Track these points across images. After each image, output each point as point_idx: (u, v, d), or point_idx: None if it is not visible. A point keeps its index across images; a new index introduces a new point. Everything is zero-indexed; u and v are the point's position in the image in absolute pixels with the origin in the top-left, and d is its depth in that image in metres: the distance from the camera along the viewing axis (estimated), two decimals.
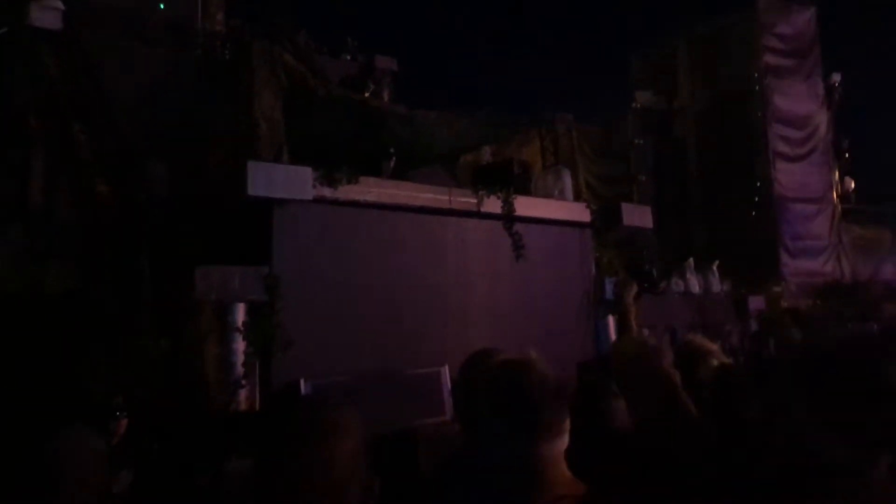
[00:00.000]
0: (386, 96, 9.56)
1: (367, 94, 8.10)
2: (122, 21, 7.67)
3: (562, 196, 7.43)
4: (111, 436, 3.85)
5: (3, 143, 6.36)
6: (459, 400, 2.48)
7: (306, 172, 5.33)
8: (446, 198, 6.35)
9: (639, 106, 11.85)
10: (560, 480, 1.84)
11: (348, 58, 10.64)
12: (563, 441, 1.90)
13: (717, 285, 9.55)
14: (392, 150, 6.31)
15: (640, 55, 13.95)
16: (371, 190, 5.77)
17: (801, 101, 11.99)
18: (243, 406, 5.05)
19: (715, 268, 9.69)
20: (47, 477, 2.07)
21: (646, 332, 7.37)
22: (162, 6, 8.42)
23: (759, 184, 11.47)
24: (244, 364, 5.12)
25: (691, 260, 9.56)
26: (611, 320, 7.34)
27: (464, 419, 2.52)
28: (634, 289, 7.28)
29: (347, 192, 5.61)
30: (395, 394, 5.23)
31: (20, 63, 6.66)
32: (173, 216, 5.93)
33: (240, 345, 5.15)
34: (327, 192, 5.48)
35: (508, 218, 6.73)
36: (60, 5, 6.69)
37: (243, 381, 5.04)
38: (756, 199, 11.46)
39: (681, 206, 11.71)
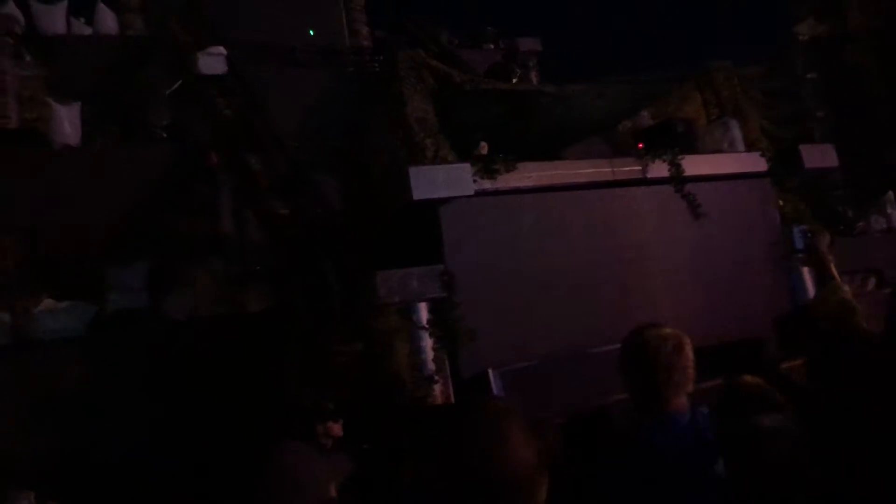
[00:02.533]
0: (534, 78, 9.51)
1: (514, 80, 8.09)
2: (279, 52, 8.17)
3: (732, 148, 7.06)
4: (327, 439, 4.06)
5: (191, 183, 6.99)
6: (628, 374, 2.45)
7: (465, 168, 5.42)
8: (608, 170, 6.23)
9: (805, 37, 10.95)
10: None
11: (491, 47, 10.70)
12: None
13: None
14: (546, 131, 6.27)
15: None
16: (530, 175, 5.77)
17: None
18: (439, 399, 5.23)
19: None
20: (272, 489, 2.22)
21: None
22: (312, 32, 8.89)
23: None
24: (434, 359, 5.31)
25: (890, 193, 8.70)
26: (806, 271, 6.86)
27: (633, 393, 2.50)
28: (827, 235, 6.77)
29: (507, 180, 5.64)
30: (584, 373, 5.19)
31: (195, 108, 7.29)
32: (348, 226, 6.24)
33: (427, 341, 5.33)
34: (487, 184, 5.54)
35: (678, 180, 6.47)
36: (223, 50, 7.23)
37: (435, 376, 5.22)
38: None
39: (869, 137, 10.69)
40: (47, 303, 5.95)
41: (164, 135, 7.49)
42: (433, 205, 5.42)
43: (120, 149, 7.20)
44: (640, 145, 6.93)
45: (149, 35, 8.21)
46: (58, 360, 5.32)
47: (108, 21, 8.25)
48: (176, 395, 5.27)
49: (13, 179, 6.38)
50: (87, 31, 8.24)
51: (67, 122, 6.92)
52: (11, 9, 7.71)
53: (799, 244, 6.84)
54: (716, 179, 6.70)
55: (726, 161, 6.86)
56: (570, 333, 5.55)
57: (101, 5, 8.30)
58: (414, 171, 5.30)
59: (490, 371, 5.03)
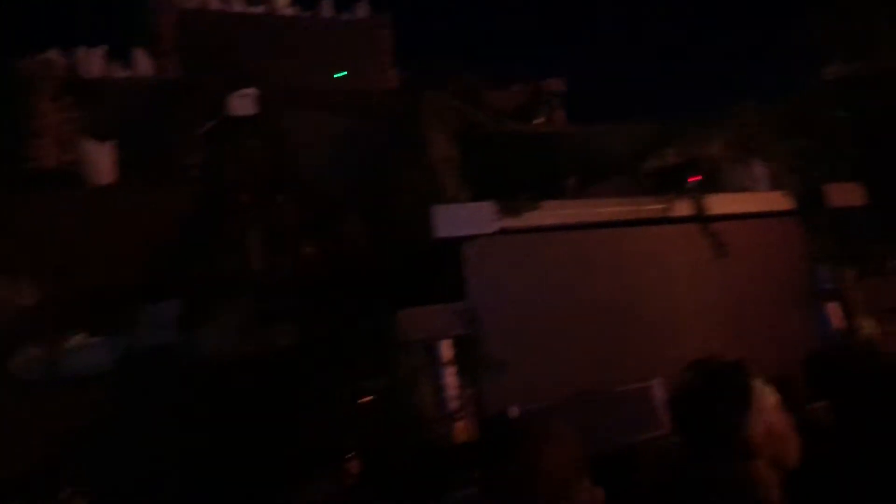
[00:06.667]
0: (558, 118, 9.61)
1: (539, 121, 8.19)
2: (308, 95, 8.36)
3: (757, 187, 7.05)
4: (346, 478, 4.11)
5: (221, 222, 7.13)
6: (680, 413, 2.42)
7: (488, 207, 5.48)
8: (632, 208, 6.25)
9: (833, 77, 10.94)
10: None
11: (517, 87, 10.82)
12: None
13: None
14: (569, 171, 6.33)
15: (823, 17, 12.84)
16: (554, 213, 5.82)
17: None
18: (461, 437, 5.23)
19: None
20: None
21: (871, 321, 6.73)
22: (339, 75, 9.09)
23: None
24: (457, 397, 5.32)
25: None
26: (832, 309, 6.79)
27: (685, 433, 2.45)
28: (852, 273, 6.71)
29: (530, 218, 5.69)
30: (607, 412, 5.18)
31: (226, 148, 7.47)
32: (373, 265, 6.32)
33: (450, 379, 5.35)
34: (511, 222, 5.60)
35: (702, 218, 6.48)
36: (254, 92, 7.43)
37: (458, 413, 5.23)
38: None
39: None
40: (79, 339, 6.07)
41: (196, 174, 7.67)
42: (456, 243, 5.48)
43: (153, 188, 7.37)
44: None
45: (182, 77, 8.45)
46: (88, 394, 5.43)
47: (144, 64, 8.52)
48: (202, 427, 5.34)
49: (48, 218, 6.56)
50: (125, 74, 8.52)
51: (102, 162, 7.12)
52: (52, 53, 8.01)
53: (825, 282, 6.78)
54: (741, 218, 6.69)
55: (751, 200, 6.86)
56: (596, 371, 5.54)
57: (138, 49, 8.58)
58: (437, 210, 5.38)
59: (514, 408, 5.03)
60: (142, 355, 6.11)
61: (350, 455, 4.24)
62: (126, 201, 7.18)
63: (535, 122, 8.03)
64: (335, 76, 9.09)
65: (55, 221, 6.63)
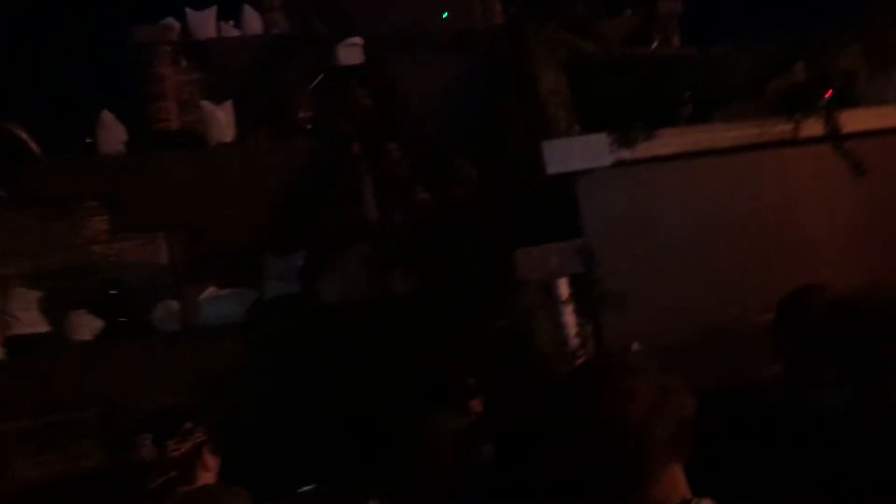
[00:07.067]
0: (674, 42, 9.14)
1: (653, 46, 7.81)
2: (414, 39, 8.32)
3: None
4: (470, 415, 4.16)
5: (336, 173, 7.28)
6: (786, 341, 2.29)
7: (601, 140, 5.29)
8: (758, 131, 5.87)
9: None
10: None
11: (629, 12, 10.35)
12: None
13: None
14: (688, 96, 6.00)
15: None
16: (671, 141, 5.55)
17: None
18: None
19: None
20: (420, 450, 2.97)
21: None
22: (445, 16, 8.97)
23: None
24: (577, 335, 5.25)
25: None
26: None
27: (791, 361, 2.33)
28: None
29: (646, 149, 5.45)
30: (735, 345, 4.97)
31: (336, 99, 7.57)
32: (486, 206, 6.28)
33: (569, 318, 5.28)
34: (626, 154, 5.38)
35: (836, 137, 6.01)
36: (360, 41, 7.46)
37: (578, 352, 5.17)
38: None
39: None
40: (210, 291, 6.41)
41: (309, 127, 7.83)
42: (569, 178, 5.34)
43: (270, 144, 7.59)
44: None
45: (291, 32, 8.59)
46: (222, 343, 5.75)
47: (253, 22, 8.71)
48: (329, 372, 5.58)
49: (176, 179, 6.90)
50: (236, 33, 8.74)
51: (222, 122, 7.38)
52: (167, 20, 8.31)
53: None
54: (880, 134, 6.16)
55: (891, 114, 6.29)
56: (720, 304, 5.32)
57: (247, 7, 8.77)
58: (548, 146, 5.24)
59: (634, 345, 4.91)
60: (270, 305, 6.40)
61: (473, 393, 4.28)
62: (246, 158, 7.44)
63: (649, 47, 7.66)
64: (441, 16, 8.97)
65: (183, 180, 6.96)
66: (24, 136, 6.89)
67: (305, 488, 4.64)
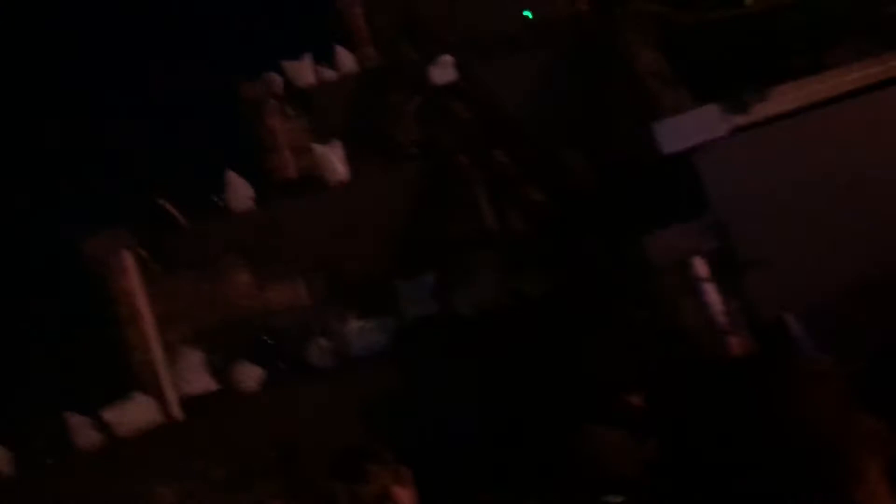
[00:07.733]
0: None
1: (748, 2, 7.49)
2: (501, 42, 8.36)
3: None
4: (630, 410, 4.13)
5: (449, 189, 7.41)
6: None
7: (712, 110, 5.18)
8: (879, 69, 5.58)
9: None
10: None
11: None
12: None
13: None
14: (794, 48, 5.76)
15: None
16: (787, 98, 5.35)
17: None
18: (737, 351, 5.05)
19: None
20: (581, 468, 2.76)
21: None
22: (529, 14, 8.93)
23: None
24: (724, 312, 5.14)
25: None
26: None
27: None
28: None
29: (761, 110, 5.29)
30: (890, 302, 4.72)
31: (437, 118, 7.72)
32: (602, 196, 6.24)
33: (712, 295, 5.19)
34: (741, 119, 5.24)
35: None
36: (451, 58, 7.58)
37: (729, 328, 5.06)
38: None
39: None
40: (353, 323, 6.67)
41: (416, 150, 8.01)
42: (686, 155, 5.25)
43: (382, 174, 7.81)
44: None
45: (382, 63, 8.81)
46: (375, 372, 5.99)
47: (347, 61, 8.98)
48: (483, 385, 5.69)
49: (304, 222, 7.23)
50: (332, 74, 9.04)
51: (334, 162, 7.66)
52: (268, 74, 8.71)
53: None
54: None
55: None
56: (867, 261, 5.06)
57: (339, 48, 9.05)
58: (658, 127, 5.19)
59: (787, 316, 4.76)
60: (412, 328, 6.58)
61: (628, 391, 4.27)
62: (364, 191, 7.68)
63: (742, 3, 7.35)
64: (523, 14, 8.95)
65: (310, 223, 7.28)
66: (171, 209, 7.37)
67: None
